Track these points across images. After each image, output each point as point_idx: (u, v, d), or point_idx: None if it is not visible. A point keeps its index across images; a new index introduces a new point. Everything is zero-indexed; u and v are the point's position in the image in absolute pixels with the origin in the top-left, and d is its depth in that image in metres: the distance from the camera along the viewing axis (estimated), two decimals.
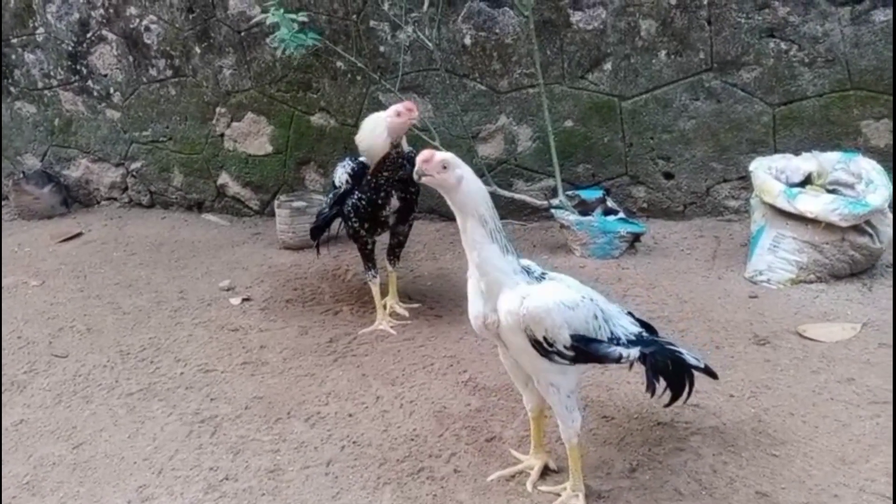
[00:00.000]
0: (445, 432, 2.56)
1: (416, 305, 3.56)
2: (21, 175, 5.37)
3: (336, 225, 3.55)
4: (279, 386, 2.93)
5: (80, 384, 3.01)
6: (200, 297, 3.80)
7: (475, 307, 2.07)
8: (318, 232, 3.60)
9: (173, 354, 3.22)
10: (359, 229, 3.32)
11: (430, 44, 4.19)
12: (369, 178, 3.19)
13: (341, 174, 3.31)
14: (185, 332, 3.42)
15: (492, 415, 2.64)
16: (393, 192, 3.21)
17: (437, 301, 3.58)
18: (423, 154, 2.08)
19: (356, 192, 3.25)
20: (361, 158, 3.28)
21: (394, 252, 3.54)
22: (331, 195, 3.46)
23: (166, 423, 2.71)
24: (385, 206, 3.24)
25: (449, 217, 4.61)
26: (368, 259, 3.45)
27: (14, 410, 2.85)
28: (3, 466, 2.53)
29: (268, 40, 4.43)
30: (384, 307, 3.46)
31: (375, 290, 3.45)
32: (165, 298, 3.80)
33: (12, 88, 5.44)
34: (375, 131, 3.07)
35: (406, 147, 3.21)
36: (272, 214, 4.99)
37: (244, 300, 3.73)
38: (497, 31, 4.36)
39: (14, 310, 3.75)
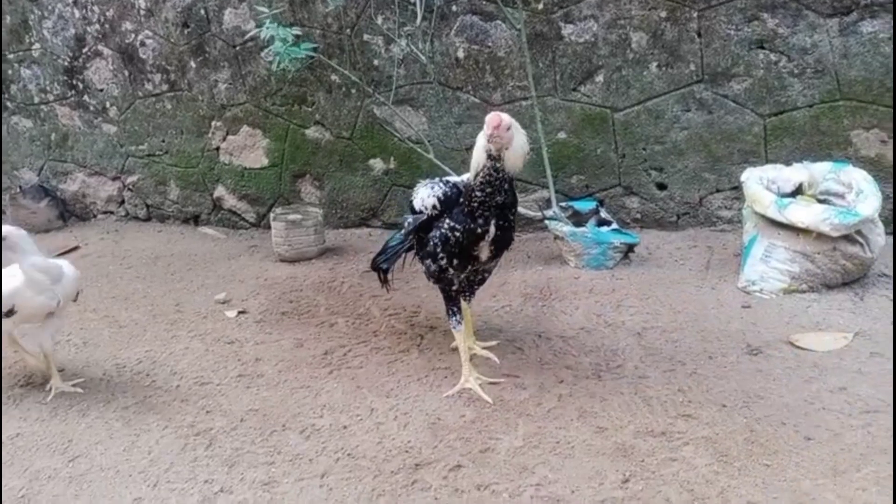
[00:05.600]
0: (440, 444, 2.56)
1: (493, 343, 3.17)
2: (18, 189, 5.39)
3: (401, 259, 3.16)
4: (274, 398, 2.93)
5: (76, 398, 3.01)
6: (196, 310, 3.81)
7: None
8: (386, 267, 3.19)
9: (169, 367, 3.23)
10: (446, 267, 2.79)
11: (423, 57, 4.24)
12: (465, 200, 2.68)
13: (427, 197, 2.75)
14: (181, 346, 3.43)
15: (486, 426, 2.65)
16: (492, 219, 2.68)
17: (433, 312, 3.60)
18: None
19: (447, 220, 2.72)
20: (453, 179, 2.85)
21: (472, 289, 3.02)
22: (407, 223, 2.95)
23: (161, 437, 2.71)
24: (485, 235, 2.70)
25: None
26: (453, 303, 2.90)
27: (10, 424, 2.85)
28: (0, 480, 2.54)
29: (262, 54, 4.47)
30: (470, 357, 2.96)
31: (460, 340, 2.91)
32: (161, 312, 3.81)
33: (9, 103, 5.47)
34: (478, 150, 2.63)
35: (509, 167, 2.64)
36: (268, 227, 5.01)
37: (240, 313, 3.74)
38: (489, 44, 4.40)
39: None
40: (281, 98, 4.81)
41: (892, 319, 3.14)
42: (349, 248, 4.58)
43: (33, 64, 5.31)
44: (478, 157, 2.61)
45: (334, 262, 4.36)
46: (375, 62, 4.57)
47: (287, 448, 2.60)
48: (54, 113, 5.37)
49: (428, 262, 2.85)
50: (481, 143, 2.58)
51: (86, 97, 5.24)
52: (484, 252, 2.76)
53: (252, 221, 5.14)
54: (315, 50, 4.01)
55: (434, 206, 2.74)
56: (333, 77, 4.65)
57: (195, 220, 5.27)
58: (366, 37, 4.55)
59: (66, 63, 5.21)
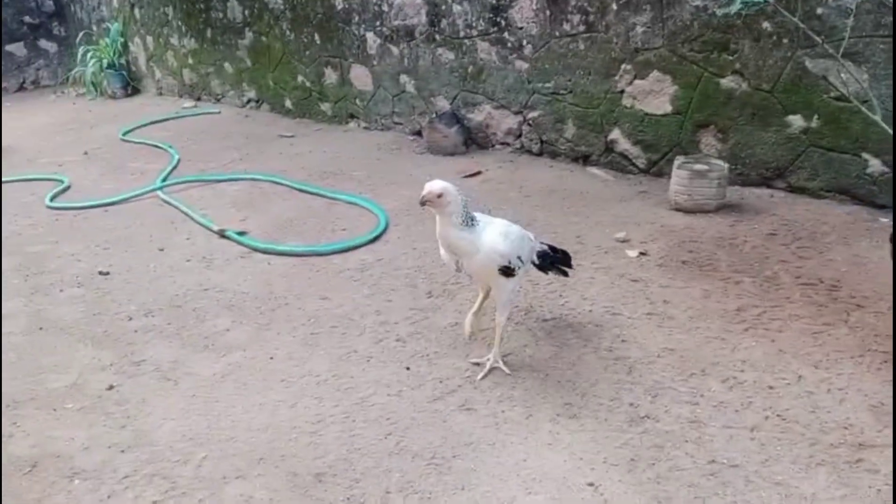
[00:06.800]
0: (885, 429, 2.33)
1: None
2: (434, 115, 6.08)
3: None
4: (688, 342, 2.93)
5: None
6: (597, 245, 3.94)
7: None
8: None
9: (579, 293, 3.41)
10: None
11: None
12: None
13: None
14: (586, 275, 3.59)
15: None
16: None
17: (857, 290, 3.25)
18: None
19: None
20: None
21: None
22: None
23: (581, 353, 2.89)
24: None
25: (863, 201, 4.14)
26: None
27: (448, 314, 3.28)
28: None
29: None
30: None
31: None
32: (564, 240, 4.01)
33: (437, 36, 6.13)
34: None
35: None
36: (658, 174, 4.98)
37: (641, 254, 3.79)
38: None
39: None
40: (700, 44, 4.64)
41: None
42: (749, 207, 4.33)
43: (464, 1, 5.85)
44: None
45: (734, 219, 4.17)
46: (819, 10, 4.14)
47: (709, 393, 2.58)
48: (475, 47, 5.89)
49: None
50: None
51: (505, 34, 5.65)
52: None
53: (641, 167, 5.13)
54: None
55: None
56: (765, 24, 4.34)
57: (584, 159, 5.43)
58: None
59: (493, 1, 5.65)
